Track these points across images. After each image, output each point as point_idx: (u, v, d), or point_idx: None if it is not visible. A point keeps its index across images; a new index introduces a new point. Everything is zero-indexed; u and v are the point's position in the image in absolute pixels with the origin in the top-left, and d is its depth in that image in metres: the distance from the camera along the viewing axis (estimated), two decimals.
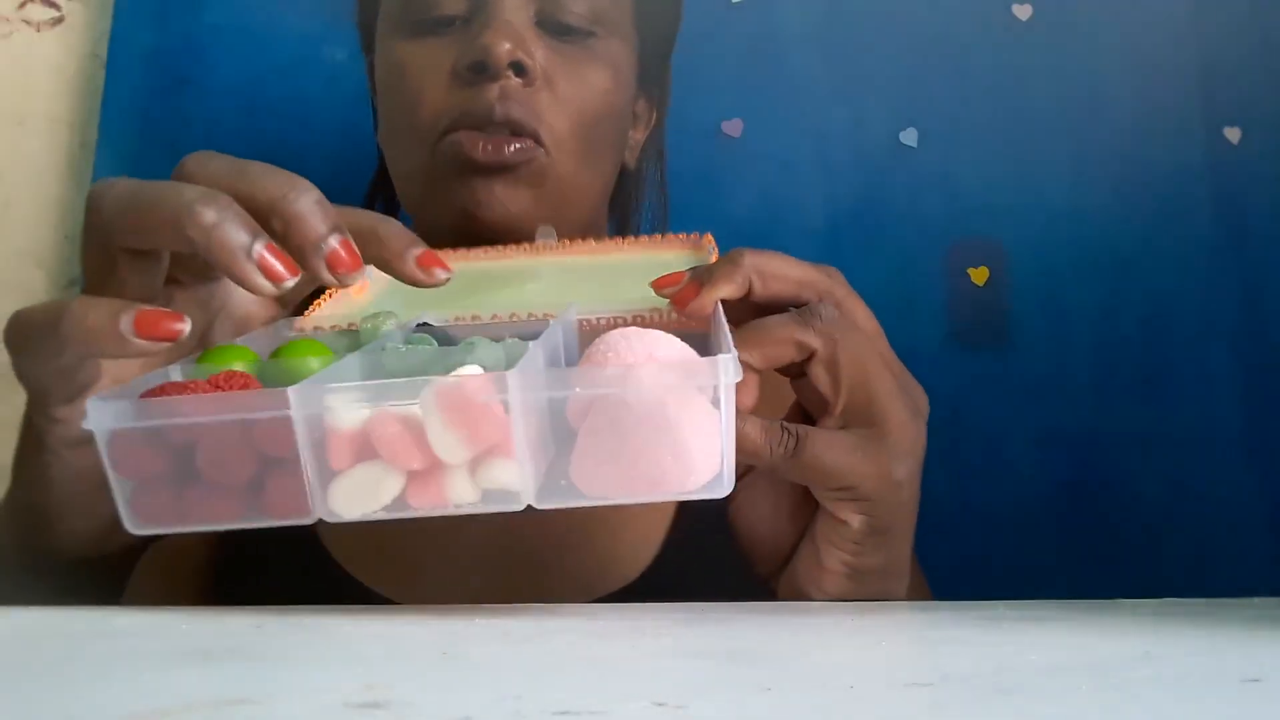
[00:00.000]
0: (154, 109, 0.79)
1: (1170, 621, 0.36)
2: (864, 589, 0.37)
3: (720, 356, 0.28)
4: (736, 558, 0.44)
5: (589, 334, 0.37)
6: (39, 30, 0.83)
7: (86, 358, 0.33)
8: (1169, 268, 0.78)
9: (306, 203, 0.33)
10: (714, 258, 0.44)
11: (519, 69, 0.53)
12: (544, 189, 0.54)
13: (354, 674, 0.26)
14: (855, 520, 0.36)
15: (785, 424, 0.35)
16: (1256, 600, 0.41)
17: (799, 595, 0.38)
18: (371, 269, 0.35)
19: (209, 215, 0.32)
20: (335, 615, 0.35)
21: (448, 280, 0.35)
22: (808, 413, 0.38)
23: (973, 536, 0.75)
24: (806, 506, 0.37)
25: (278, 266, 0.32)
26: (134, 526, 0.30)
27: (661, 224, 0.71)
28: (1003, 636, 0.33)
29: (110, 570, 0.40)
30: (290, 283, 0.32)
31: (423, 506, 0.29)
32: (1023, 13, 0.81)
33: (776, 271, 0.36)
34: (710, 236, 0.48)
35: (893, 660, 0.29)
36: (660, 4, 0.63)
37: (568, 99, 0.55)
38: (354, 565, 0.52)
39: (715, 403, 0.29)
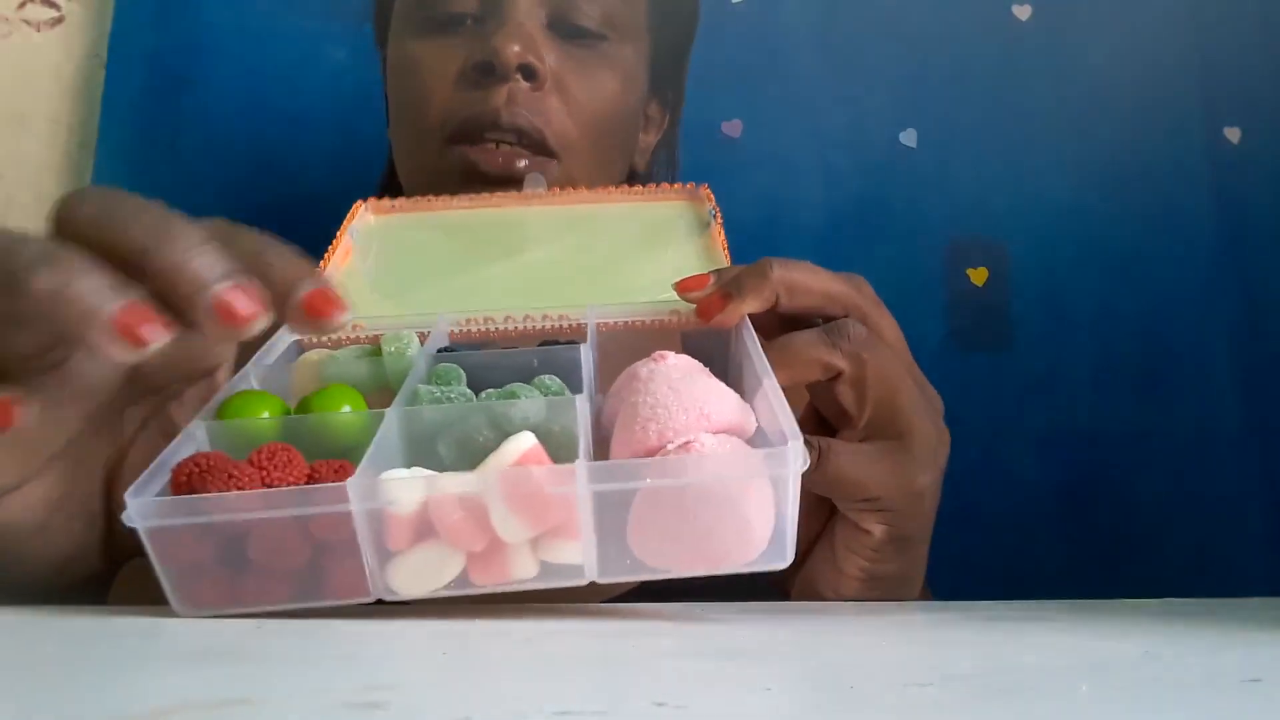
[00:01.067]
0: (154, 109, 0.79)
1: (1170, 621, 0.36)
2: (880, 593, 0.37)
3: (790, 446, 0.28)
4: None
5: (609, 336, 0.36)
6: (39, 30, 0.83)
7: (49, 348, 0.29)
8: (1169, 268, 0.78)
9: (180, 248, 0.28)
10: (716, 218, 0.44)
11: (528, 72, 0.52)
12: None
13: (354, 674, 0.26)
14: (877, 530, 0.35)
15: (807, 438, 0.33)
16: (1256, 600, 0.41)
17: (814, 597, 0.37)
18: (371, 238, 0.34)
19: (43, 281, 0.27)
20: (335, 615, 0.35)
21: (343, 323, 0.30)
22: (822, 416, 0.38)
23: (973, 536, 0.75)
24: (821, 510, 0.37)
25: (142, 328, 0.26)
26: (183, 610, 0.29)
27: None
28: (1003, 636, 0.33)
29: (83, 586, 0.36)
30: (157, 344, 0.27)
31: (485, 584, 0.29)
32: (1023, 13, 0.81)
33: (804, 285, 0.36)
34: (707, 188, 0.47)
35: (893, 660, 0.29)
36: (676, 6, 0.63)
37: (578, 103, 0.54)
38: None
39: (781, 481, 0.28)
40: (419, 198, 0.48)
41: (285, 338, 0.36)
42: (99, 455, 0.33)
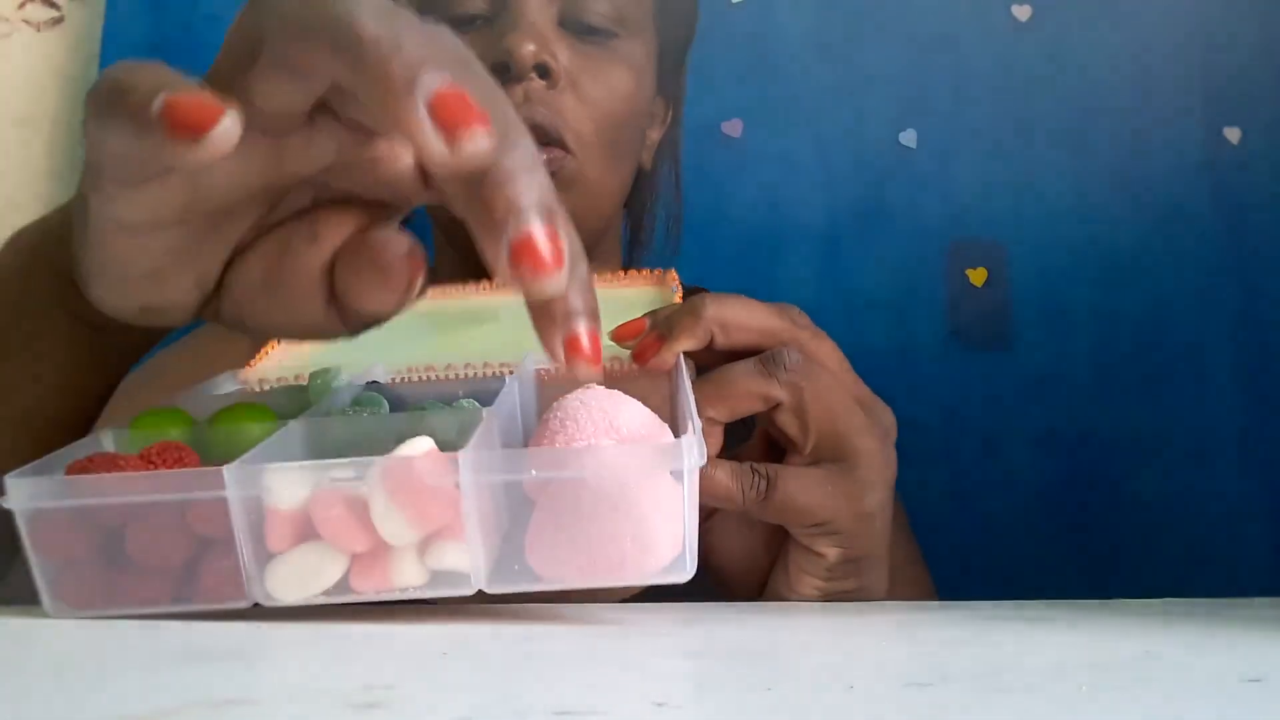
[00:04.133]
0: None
1: (1170, 621, 0.36)
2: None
3: (684, 439, 0.27)
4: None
5: (548, 386, 0.35)
6: (39, 30, 0.83)
7: (117, 138, 0.26)
8: (1169, 268, 0.78)
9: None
10: (677, 296, 0.43)
11: (543, 71, 0.52)
12: (569, 193, 0.54)
13: (354, 674, 0.26)
14: (830, 553, 0.36)
15: (755, 466, 0.34)
16: (1256, 600, 0.41)
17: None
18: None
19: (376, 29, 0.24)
20: (335, 615, 0.35)
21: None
22: (774, 444, 0.38)
23: (973, 536, 0.75)
24: (777, 536, 0.37)
25: (459, 114, 0.23)
26: (56, 611, 0.28)
27: (675, 223, 0.71)
28: (1003, 636, 0.33)
29: (117, 352, 0.36)
30: (474, 148, 0.24)
31: (366, 590, 0.27)
32: (1022, 13, 0.81)
33: (738, 321, 0.36)
34: (674, 273, 0.46)
35: (893, 660, 0.29)
36: (678, 4, 0.63)
37: (592, 100, 0.54)
38: None
39: (678, 478, 0.27)
40: None
41: (226, 385, 0.35)
42: (234, 234, 0.30)
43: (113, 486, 0.26)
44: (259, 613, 0.35)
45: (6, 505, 0.26)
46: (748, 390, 0.34)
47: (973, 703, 0.23)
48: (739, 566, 0.38)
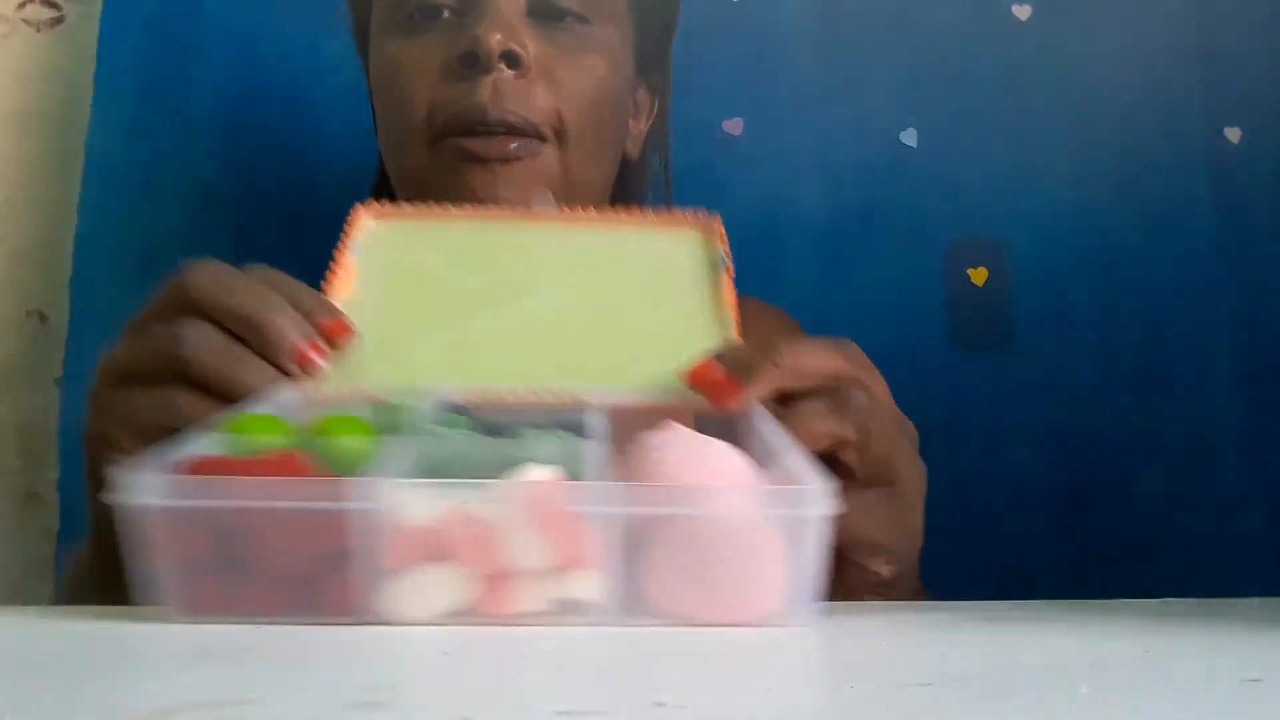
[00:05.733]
0: (154, 70, 0.78)
1: (1170, 621, 0.36)
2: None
3: (813, 487, 0.27)
4: None
5: (620, 421, 0.35)
6: (39, 30, 0.83)
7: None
8: (1169, 268, 0.78)
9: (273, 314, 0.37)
10: (724, 252, 0.44)
11: (511, 60, 0.52)
12: (545, 180, 0.54)
13: (354, 674, 0.26)
14: (885, 570, 0.38)
15: None
16: (1256, 600, 0.41)
17: None
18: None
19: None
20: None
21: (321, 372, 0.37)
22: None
23: (973, 536, 0.75)
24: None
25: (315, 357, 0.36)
26: (178, 615, 0.28)
27: None
28: (1003, 636, 0.33)
29: None
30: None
31: (489, 614, 0.27)
32: (1023, 13, 0.81)
33: (810, 369, 0.37)
34: (719, 220, 0.47)
35: (893, 660, 0.29)
36: None
37: (564, 87, 0.54)
38: None
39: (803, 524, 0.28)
40: (422, 205, 0.48)
41: (289, 399, 0.36)
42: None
43: (242, 490, 0.26)
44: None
45: (128, 500, 0.26)
46: (823, 431, 0.36)
47: (973, 703, 0.23)
48: None
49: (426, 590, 0.27)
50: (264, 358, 0.36)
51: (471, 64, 0.52)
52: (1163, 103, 0.80)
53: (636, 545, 0.28)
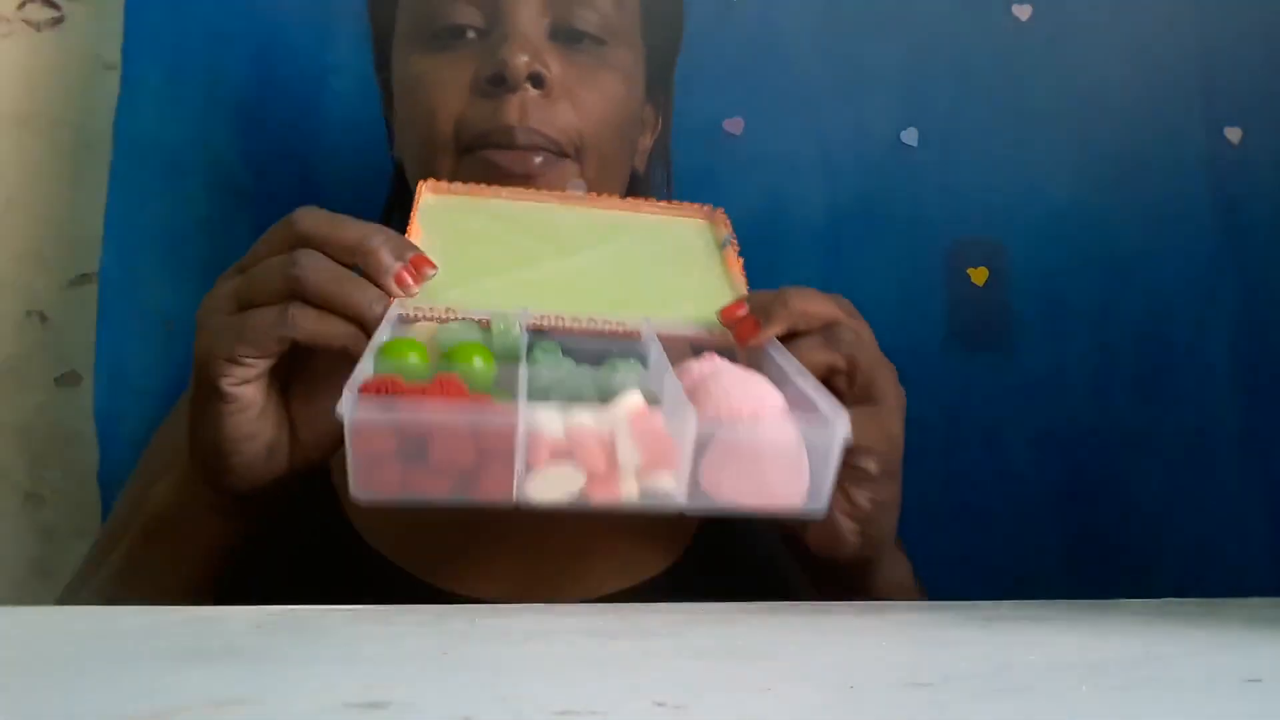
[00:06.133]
0: (182, 54, 0.78)
1: (1170, 621, 0.36)
2: (882, 521, 0.47)
3: (840, 420, 0.37)
4: (750, 569, 0.56)
5: (664, 346, 0.43)
6: (39, 30, 0.83)
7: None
8: (1169, 268, 0.78)
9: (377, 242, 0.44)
10: (729, 234, 0.53)
11: (537, 81, 0.55)
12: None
13: (354, 674, 0.26)
14: (873, 467, 0.45)
15: None
16: (1256, 600, 0.41)
17: (832, 533, 0.46)
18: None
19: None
20: (335, 615, 0.35)
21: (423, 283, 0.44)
22: None
23: (973, 536, 0.75)
24: None
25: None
26: (358, 493, 0.35)
27: None
28: (1003, 636, 0.33)
29: (266, 507, 0.48)
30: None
31: (599, 499, 0.36)
32: (1023, 13, 0.81)
33: (813, 312, 0.45)
34: (723, 212, 0.54)
35: (893, 660, 0.29)
36: (665, 15, 0.65)
37: (585, 106, 0.57)
38: (376, 539, 0.55)
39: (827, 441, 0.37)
40: (471, 184, 0.53)
41: (393, 313, 0.43)
42: (277, 382, 0.45)
43: (431, 414, 0.35)
44: (260, 611, 0.35)
45: (340, 413, 0.34)
46: (819, 361, 0.44)
47: (973, 703, 0.24)
48: None
49: (554, 481, 0.35)
50: (369, 279, 0.43)
51: (499, 83, 0.55)
52: (1163, 103, 0.80)
53: (701, 452, 0.36)
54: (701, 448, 0.36)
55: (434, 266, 0.44)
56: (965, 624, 0.35)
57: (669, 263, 0.51)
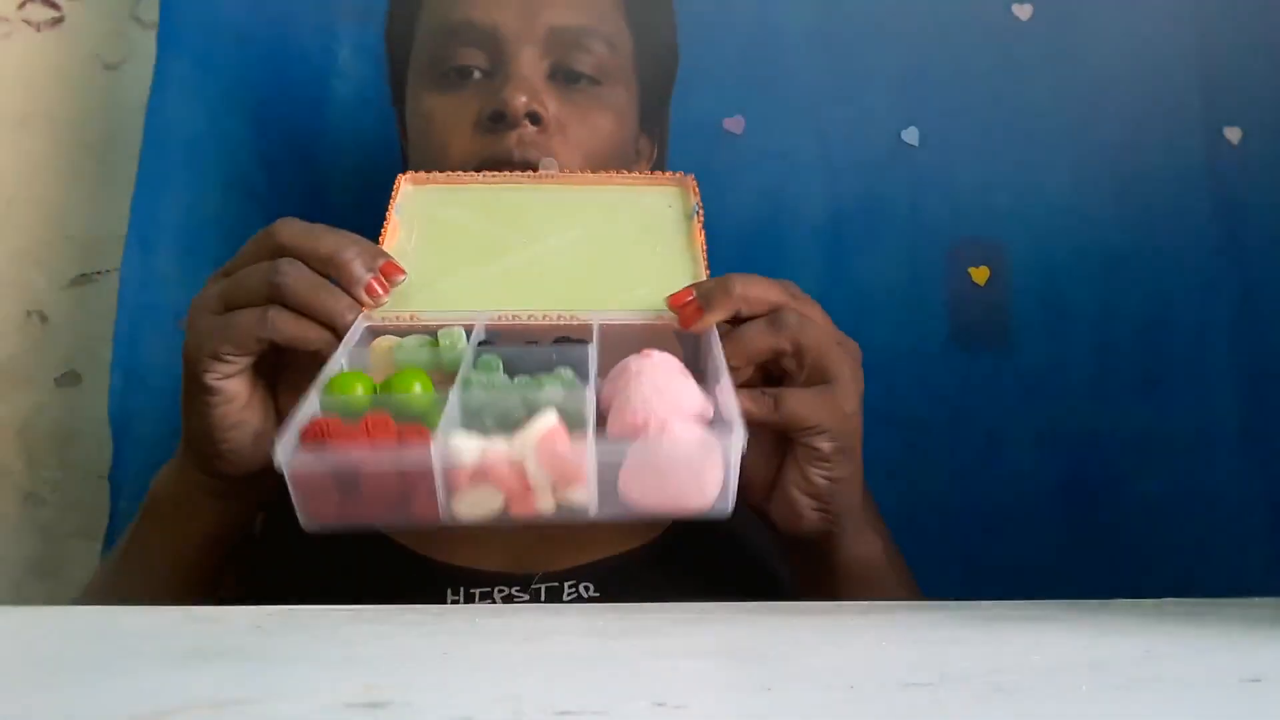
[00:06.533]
0: (214, 52, 0.78)
1: (1170, 621, 0.36)
2: (840, 497, 0.48)
3: (734, 435, 0.39)
4: (732, 548, 0.59)
5: (609, 331, 0.46)
6: (39, 30, 0.83)
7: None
8: (1169, 268, 0.78)
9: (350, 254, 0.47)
10: (697, 203, 0.55)
11: (534, 118, 0.61)
12: None
13: (354, 674, 0.26)
14: (825, 445, 0.47)
15: (764, 390, 0.47)
16: (1256, 600, 0.41)
17: (791, 509, 0.48)
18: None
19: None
20: (335, 615, 0.35)
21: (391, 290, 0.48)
22: (769, 373, 0.49)
23: (973, 536, 0.75)
24: (780, 444, 0.48)
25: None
26: (305, 523, 0.38)
27: None
28: (1003, 636, 0.33)
29: (256, 490, 0.51)
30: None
31: (519, 515, 0.39)
32: (1023, 13, 0.81)
33: (757, 296, 0.47)
34: (693, 178, 0.56)
35: (893, 660, 0.29)
36: (658, 54, 0.70)
37: (578, 140, 0.62)
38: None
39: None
40: (449, 173, 0.57)
41: (361, 324, 0.46)
42: (264, 376, 0.48)
43: (358, 457, 0.38)
44: (260, 611, 0.35)
45: (279, 462, 0.37)
46: (762, 346, 0.46)
47: (973, 703, 0.24)
48: (752, 468, 0.48)
49: (477, 501, 0.38)
50: (342, 288, 0.46)
51: (499, 120, 0.60)
52: (1163, 103, 0.80)
53: (615, 467, 0.39)
54: (618, 459, 0.39)
55: (403, 272, 0.48)
56: (965, 624, 0.35)
57: (635, 241, 0.54)
